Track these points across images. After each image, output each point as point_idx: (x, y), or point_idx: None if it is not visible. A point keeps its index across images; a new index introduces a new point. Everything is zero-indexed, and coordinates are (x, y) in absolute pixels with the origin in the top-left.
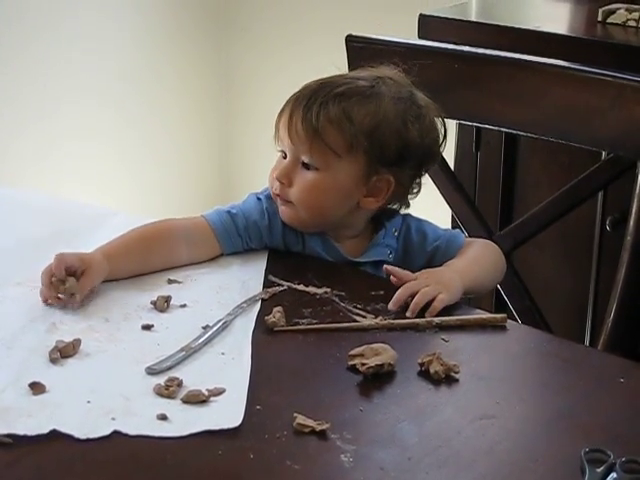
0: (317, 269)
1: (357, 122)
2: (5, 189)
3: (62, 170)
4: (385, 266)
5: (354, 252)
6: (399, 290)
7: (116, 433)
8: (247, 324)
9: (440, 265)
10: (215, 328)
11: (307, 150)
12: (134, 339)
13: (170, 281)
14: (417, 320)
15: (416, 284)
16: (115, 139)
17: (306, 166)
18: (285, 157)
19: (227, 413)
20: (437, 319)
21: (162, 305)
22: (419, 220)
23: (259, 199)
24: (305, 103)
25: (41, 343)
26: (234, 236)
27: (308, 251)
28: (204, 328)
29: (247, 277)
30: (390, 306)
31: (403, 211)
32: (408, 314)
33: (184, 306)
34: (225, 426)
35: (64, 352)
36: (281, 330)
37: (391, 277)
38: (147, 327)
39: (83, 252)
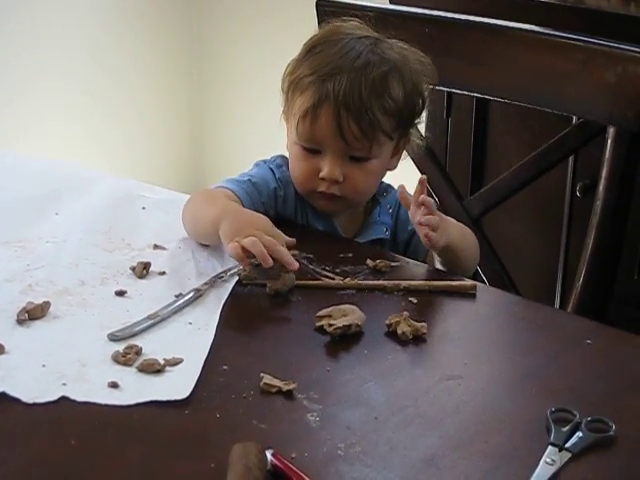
0: (286, 231)
1: (396, 99)
2: None
3: (32, 147)
4: (401, 190)
5: (350, 230)
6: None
7: (64, 399)
8: (221, 295)
9: (414, 248)
10: (187, 297)
11: (367, 147)
12: (105, 304)
13: (156, 246)
14: (384, 282)
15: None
16: (85, 115)
17: (356, 158)
18: (313, 152)
19: (178, 384)
20: (405, 283)
21: (140, 271)
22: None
23: (271, 169)
24: (352, 101)
25: (12, 304)
26: (258, 204)
27: (308, 225)
28: (177, 296)
29: None
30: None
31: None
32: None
33: (163, 273)
34: (172, 397)
35: (32, 314)
36: (250, 283)
37: (402, 198)
38: (120, 293)
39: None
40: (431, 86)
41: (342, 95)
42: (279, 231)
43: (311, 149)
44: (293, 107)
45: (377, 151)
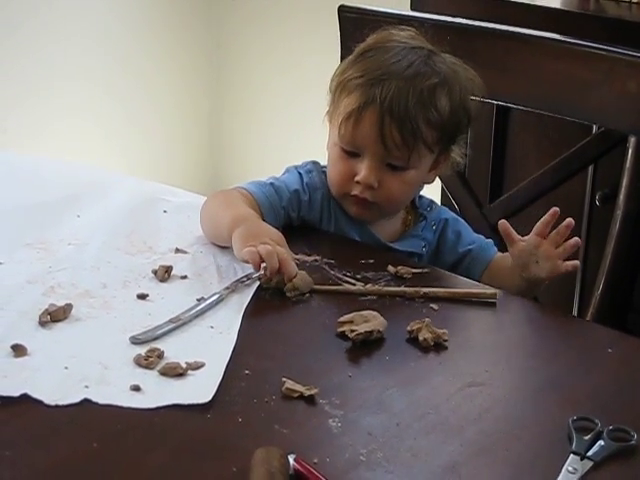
0: (307, 237)
1: (442, 113)
2: (16, 155)
3: (52, 147)
4: (502, 223)
5: (387, 236)
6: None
7: (86, 401)
8: (243, 299)
9: (465, 269)
10: (209, 301)
11: (406, 156)
12: (127, 307)
13: (177, 250)
14: (405, 289)
15: None
16: (105, 117)
17: (394, 167)
18: (352, 155)
19: (200, 388)
20: (425, 289)
21: (162, 275)
22: (456, 219)
23: (300, 174)
24: (397, 109)
25: (34, 306)
26: (277, 209)
27: (338, 231)
28: (199, 300)
29: None
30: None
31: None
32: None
33: (185, 277)
34: (194, 401)
35: (54, 316)
36: (271, 288)
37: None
38: (142, 296)
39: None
40: (478, 98)
41: (388, 101)
42: (288, 249)
43: (350, 152)
44: (338, 108)
45: (416, 162)
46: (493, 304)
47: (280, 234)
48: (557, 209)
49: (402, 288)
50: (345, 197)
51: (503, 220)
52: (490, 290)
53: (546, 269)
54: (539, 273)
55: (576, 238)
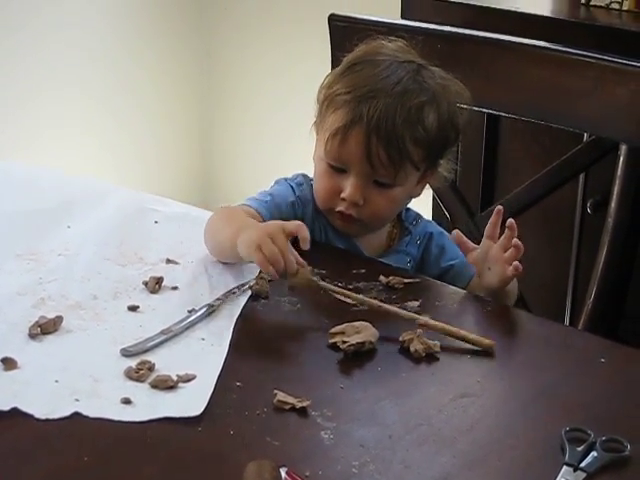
0: (299, 248)
1: (429, 131)
2: (9, 163)
3: (43, 156)
4: (456, 232)
5: (372, 250)
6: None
7: (77, 415)
8: (233, 311)
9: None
10: (200, 313)
11: (392, 174)
12: (118, 319)
13: (168, 261)
14: (403, 311)
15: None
16: (96, 126)
17: (380, 184)
18: (338, 170)
19: (191, 401)
20: (423, 319)
21: (153, 286)
22: (441, 233)
23: (292, 186)
24: (385, 128)
25: (24, 318)
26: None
27: (327, 243)
28: (190, 312)
29: (243, 264)
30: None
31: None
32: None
33: (175, 288)
34: (185, 414)
35: (44, 328)
36: (264, 297)
37: (459, 243)
38: (133, 308)
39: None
40: (462, 119)
41: (375, 120)
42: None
43: (336, 167)
44: (325, 122)
45: (402, 179)
46: (484, 311)
47: (278, 223)
48: (501, 208)
49: (398, 309)
50: (331, 212)
51: (456, 230)
52: (487, 340)
53: (497, 275)
54: (491, 280)
55: (516, 240)
